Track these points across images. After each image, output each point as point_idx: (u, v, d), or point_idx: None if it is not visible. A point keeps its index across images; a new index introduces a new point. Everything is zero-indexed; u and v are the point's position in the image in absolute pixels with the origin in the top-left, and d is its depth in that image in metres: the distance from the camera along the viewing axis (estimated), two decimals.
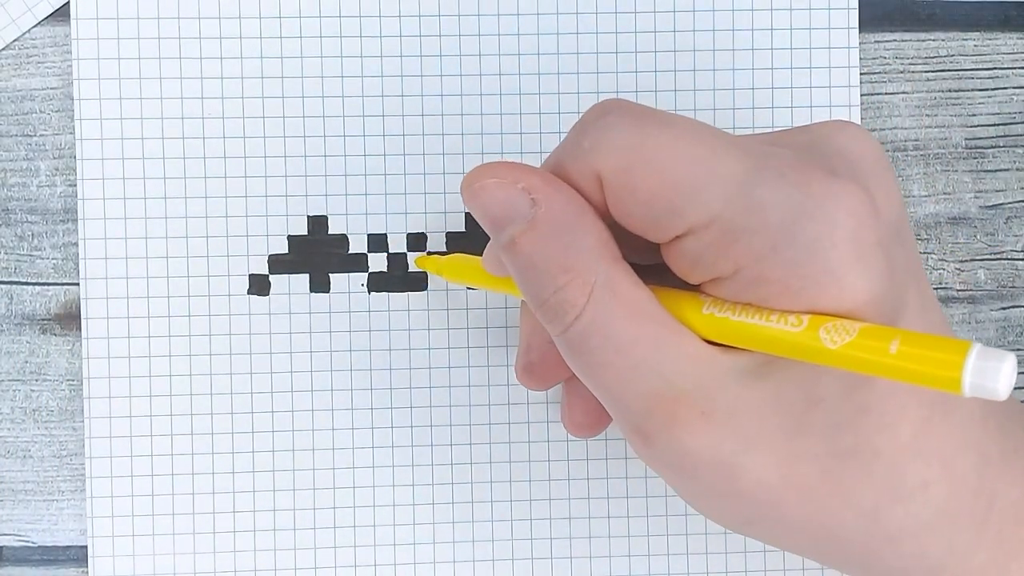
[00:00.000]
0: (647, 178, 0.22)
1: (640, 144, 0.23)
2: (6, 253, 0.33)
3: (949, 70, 0.34)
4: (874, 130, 0.34)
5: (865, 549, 0.24)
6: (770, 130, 0.33)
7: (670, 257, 0.24)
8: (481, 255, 0.28)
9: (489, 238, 0.26)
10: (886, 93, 0.34)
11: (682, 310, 0.24)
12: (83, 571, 0.33)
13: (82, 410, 0.32)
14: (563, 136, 0.32)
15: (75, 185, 0.32)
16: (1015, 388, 0.33)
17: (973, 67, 0.34)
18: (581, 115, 0.24)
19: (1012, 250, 0.34)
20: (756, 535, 0.25)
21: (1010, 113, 0.34)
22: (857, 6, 0.33)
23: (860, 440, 0.23)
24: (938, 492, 0.23)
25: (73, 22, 0.32)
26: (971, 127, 0.34)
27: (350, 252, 0.33)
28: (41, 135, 0.33)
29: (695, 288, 0.24)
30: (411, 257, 0.32)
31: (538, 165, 0.25)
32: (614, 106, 0.24)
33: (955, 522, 0.24)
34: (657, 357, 0.23)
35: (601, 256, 0.23)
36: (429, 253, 0.33)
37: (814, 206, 0.21)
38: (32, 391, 0.33)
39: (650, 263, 0.25)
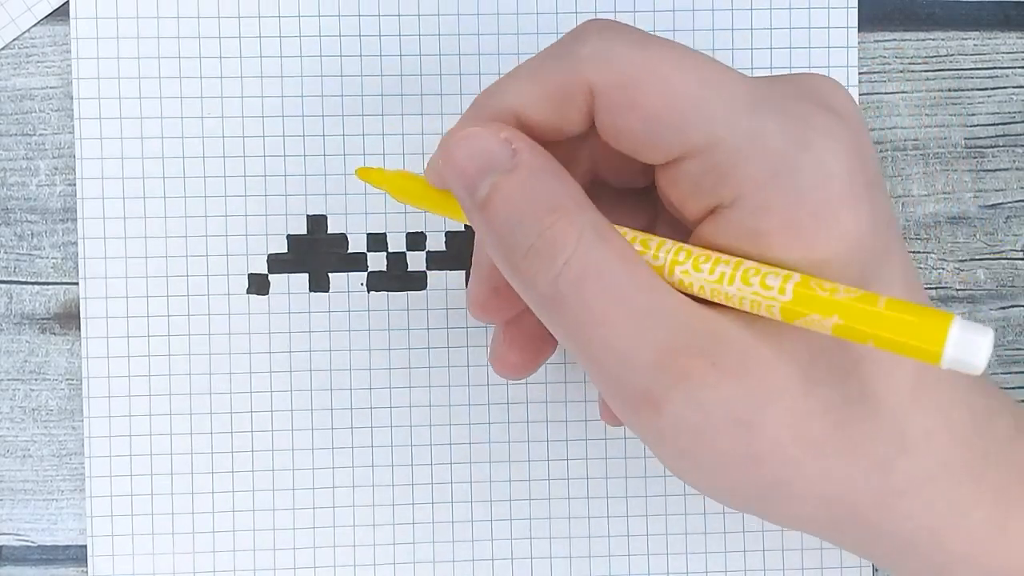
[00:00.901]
0: (650, 94, 0.22)
1: (643, 60, 0.22)
2: (6, 252, 0.33)
3: (949, 69, 0.34)
4: (873, 129, 0.34)
5: (874, 507, 0.23)
6: None
7: (666, 182, 0.23)
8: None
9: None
10: (886, 92, 0.34)
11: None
12: (83, 570, 0.33)
13: (81, 409, 0.32)
14: None
15: (74, 184, 0.32)
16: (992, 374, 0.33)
17: (973, 67, 0.34)
18: (574, 28, 0.24)
19: (1012, 250, 0.34)
20: (767, 510, 0.24)
21: (1009, 112, 0.34)
22: (856, 5, 0.33)
23: (865, 388, 0.22)
24: (940, 441, 0.23)
25: (72, 21, 0.32)
26: (970, 126, 0.34)
27: (349, 251, 0.33)
28: (41, 134, 0.33)
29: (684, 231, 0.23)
30: (410, 257, 0.32)
31: None
32: (614, 23, 0.23)
33: (956, 475, 0.24)
34: (660, 308, 0.22)
35: (584, 203, 0.23)
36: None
37: (815, 137, 0.22)
38: (32, 390, 0.33)
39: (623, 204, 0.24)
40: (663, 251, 0.23)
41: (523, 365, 0.28)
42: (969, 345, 0.18)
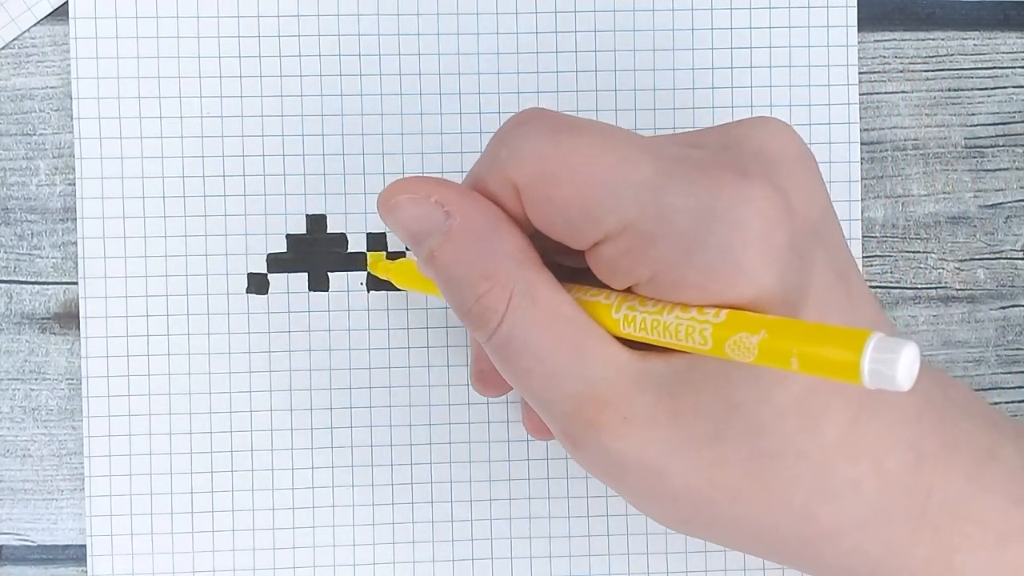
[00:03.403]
0: (561, 186, 0.23)
1: (553, 152, 0.23)
2: (5, 252, 0.33)
3: (948, 69, 0.34)
4: (873, 129, 0.34)
5: (804, 547, 0.24)
6: None
7: (592, 263, 0.24)
8: None
9: None
10: (885, 92, 0.34)
11: (598, 313, 0.24)
12: (82, 570, 0.33)
13: (81, 409, 0.32)
14: None
15: (74, 184, 0.32)
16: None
17: (972, 66, 0.34)
18: (501, 125, 0.25)
19: (1012, 249, 0.34)
20: (696, 534, 0.25)
21: (1009, 112, 0.34)
22: (856, 5, 0.33)
23: (782, 442, 0.23)
24: (869, 490, 0.23)
25: (72, 21, 0.32)
26: (970, 126, 0.34)
27: (349, 251, 0.33)
28: (40, 134, 0.33)
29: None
30: (410, 255, 0.32)
31: None
32: (531, 116, 0.24)
33: (890, 519, 0.24)
34: (576, 364, 0.23)
35: (519, 263, 0.24)
36: (390, 255, 0.33)
37: (724, 209, 0.21)
38: (31, 390, 0.33)
39: (579, 266, 0.25)
40: (614, 295, 0.24)
41: (547, 430, 0.29)
42: (888, 359, 0.18)
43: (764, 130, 0.24)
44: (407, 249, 0.33)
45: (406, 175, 0.33)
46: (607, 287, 0.24)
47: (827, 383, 0.22)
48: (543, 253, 0.25)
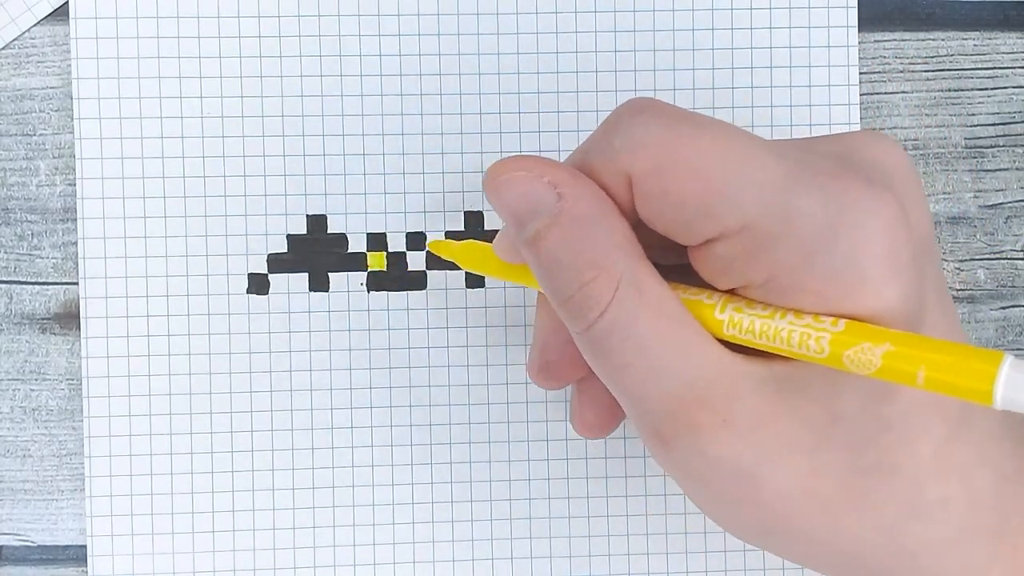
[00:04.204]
0: (680, 180, 0.22)
1: (674, 145, 0.22)
2: (6, 252, 0.33)
3: (949, 70, 0.34)
4: (873, 130, 0.34)
5: (883, 564, 0.24)
6: (769, 129, 0.33)
7: (699, 261, 0.23)
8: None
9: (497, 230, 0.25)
10: (886, 93, 0.34)
11: (699, 312, 0.23)
12: (83, 570, 0.33)
13: (81, 409, 0.32)
14: (560, 136, 0.33)
15: (74, 184, 0.32)
16: None
17: (973, 67, 0.34)
18: (612, 112, 0.24)
19: (1012, 250, 0.34)
20: (773, 547, 0.25)
21: (1009, 113, 0.34)
22: (856, 5, 0.33)
23: (881, 457, 0.22)
24: (957, 509, 0.23)
25: (72, 21, 0.32)
26: (971, 127, 0.34)
27: (349, 251, 0.33)
28: (41, 134, 0.33)
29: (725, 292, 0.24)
30: (410, 256, 0.32)
31: None
32: (647, 105, 0.23)
33: (973, 539, 0.23)
34: (679, 361, 0.23)
35: (628, 253, 0.23)
36: (447, 235, 0.32)
37: (852, 217, 0.21)
38: (32, 390, 0.33)
39: (674, 263, 0.24)
40: (716, 295, 0.23)
41: (600, 425, 0.29)
42: (1022, 383, 0.18)
43: (879, 144, 0.23)
44: (408, 249, 0.33)
45: (405, 174, 0.33)
46: (708, 287, 0.23)
47: (929, 399, 0.22)
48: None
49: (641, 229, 0.24)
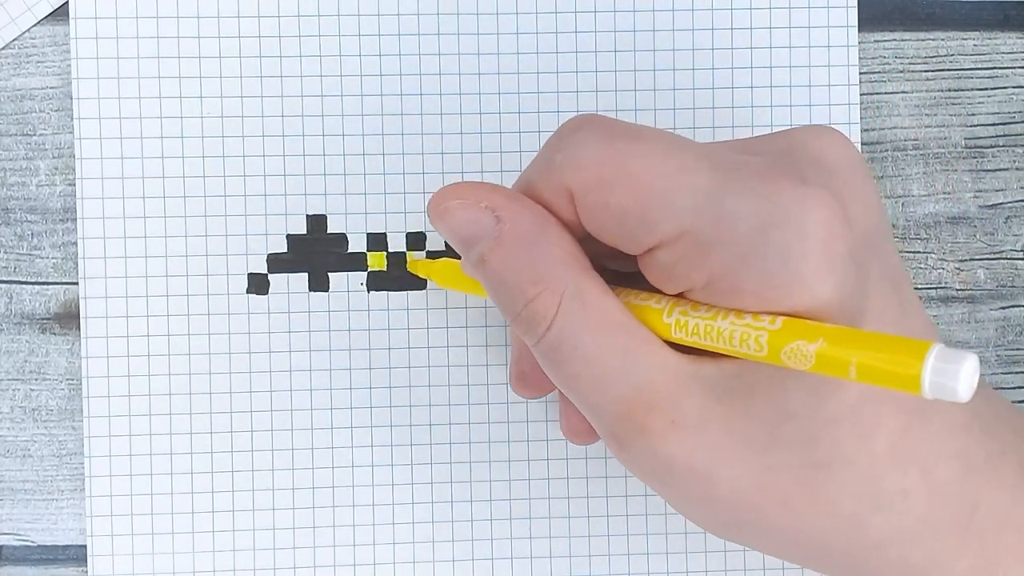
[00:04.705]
0: (617, 193, 0.23)
1: (610, 159, 0.23)
2: (6, 252, 0.33)
3: (949, 70, 0.34)
4: (873, 130, 0.34)
5: (849, 557, 0.24)
6: (769, 129, 0.33)
7: (645, 268, 0.24)
8: None
9: None
10: (886, 93, 0.34)
11: (648, 317, 0.24)
12: (83, 570, 0.33)
13: (81, 409, 0.32)
14: None
15: (74, 184, 0.32)
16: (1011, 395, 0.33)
17: (973, 67, 0.34)
18: (554, 131, 0.25)
19: (1012, 250, 0.34)
20: (740, 540, 0.25)
21: (1010, 112, 0.34)
22: (856, 5, 0.33)
23: (833, 451, 0.23)
24: (918, 500, 0.23)
25: (72, 21, 0.32)
26: (971, 126, 0.34)
27: (349, 251, 0.33)
28: (41, 134, 0.33)
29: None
30: (410, 257, 0.32)
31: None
32: (585, 121, 0.24)
33: (937, 530, 0.24)
34: (625, 367, 0.23)
35: (569, 267, 0.24)
36: (429, 255, 0.33)
37: (783, 216, 0.21)
38: (31, 390, 0.33)
39: (632, 270, 0.25)
40: (664, 300, 0.24)
41: (587, 431, 0.29)
42: (950, 370, 0.18)
43: (821, 138, 0.24)
44: (408, 249, 0.33)
45: (405, 174, 0.33)
46: (658, 291, 0.24)
47: (880, 392, 0.22)
48: (592, 257, 0.25)
49: (592, 241, 0.24)
